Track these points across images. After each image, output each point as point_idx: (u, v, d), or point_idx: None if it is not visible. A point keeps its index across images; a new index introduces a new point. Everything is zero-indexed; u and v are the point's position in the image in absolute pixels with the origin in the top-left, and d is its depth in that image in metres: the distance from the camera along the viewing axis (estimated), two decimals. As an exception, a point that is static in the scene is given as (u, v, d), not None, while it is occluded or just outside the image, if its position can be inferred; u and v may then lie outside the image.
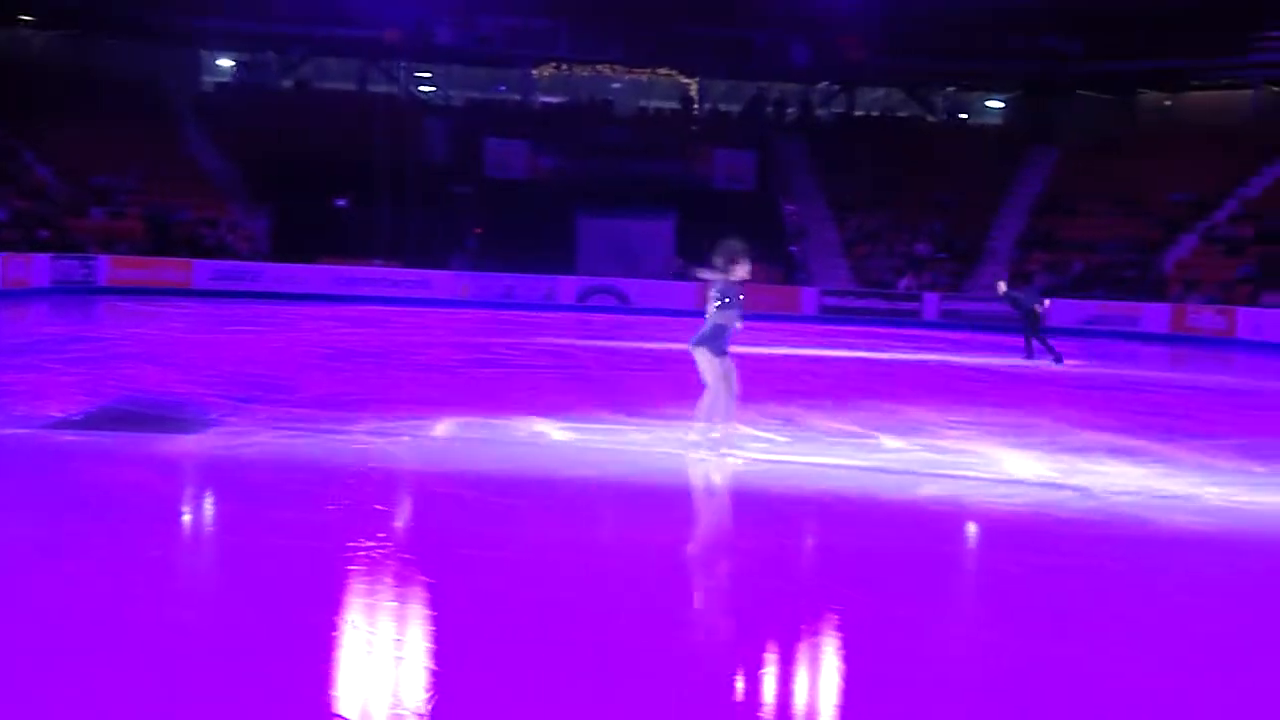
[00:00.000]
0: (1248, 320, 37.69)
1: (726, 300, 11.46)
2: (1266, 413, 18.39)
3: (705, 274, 11.68)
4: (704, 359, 11.40)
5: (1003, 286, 24.55)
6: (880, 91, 57.60)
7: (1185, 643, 6.29)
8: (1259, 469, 11.43)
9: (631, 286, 44.84)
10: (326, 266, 43.01)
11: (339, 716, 4.75)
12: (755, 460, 11.24)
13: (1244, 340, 36.95)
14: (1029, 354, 25.00)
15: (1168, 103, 54.23)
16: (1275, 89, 50.81)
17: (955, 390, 19.74)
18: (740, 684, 5.44)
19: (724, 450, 11.30)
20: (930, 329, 40.56)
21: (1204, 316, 39.25)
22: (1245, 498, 10.11)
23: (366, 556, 7.23)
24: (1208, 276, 41.81)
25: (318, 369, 18.63)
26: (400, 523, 8.65)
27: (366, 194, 45.94)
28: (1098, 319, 40.92)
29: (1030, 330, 25.23)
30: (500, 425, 12.92)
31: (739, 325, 11.56)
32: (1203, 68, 50.86)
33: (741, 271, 11.61)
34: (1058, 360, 24.48)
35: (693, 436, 11.49)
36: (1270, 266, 40.56)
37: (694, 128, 53.75)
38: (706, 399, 11.44)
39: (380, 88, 54.15)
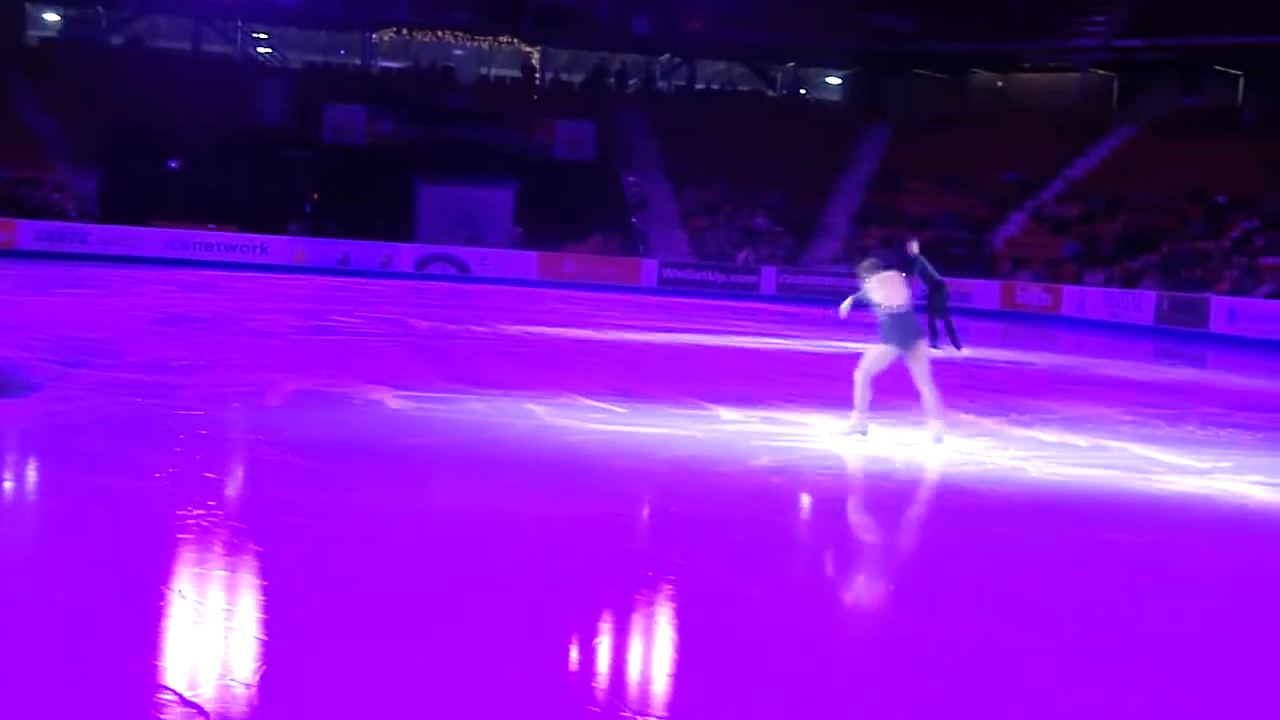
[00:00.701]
0: (1072, 297, 38.78)
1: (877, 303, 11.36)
2: (1088, 388, 18.94)
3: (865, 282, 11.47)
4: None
5: (915, 247, 20.54)
6: (721, 65, 57.97)
7: (1007, 608, 6.45)
8: (1082, 443, 11.77)
9: (471, 255, 44.59)
10: (158, 229, 42.01)
11: (166, 688, 4.65)
12: (594, 430, 11.26)
13: (1068, 317, 38.03)
14: (934, 339, 21.01)
15: (999, 83, 55.47)
16: (1101, 72, 52.25)
17: (792, 364, 19.98)
18: (569, 651, 5.45)
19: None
20: (768, 302, 41.03)
21: (1031, 293, 40.31)
22: (1069, 470, 10.41)
23: (196, 525, 7.09)
24: (1035, 254, 42.93)
25: (148, 334, 18.19)
26: (231, 491, 8.50)
27: (200, 157, 44.94)
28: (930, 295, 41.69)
29: (937, 310, 22.57)
30: (335, 393, 12.76)
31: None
32: (1032, 50, 52.11)
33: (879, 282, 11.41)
34: (958, 346, 22.39)
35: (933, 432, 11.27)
36: (1094, 245, 41.78)
37: (535, 97, 53.54)
38: (930, 397, 11.29)
39: (215, 48, 52.95)
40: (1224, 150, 42.50)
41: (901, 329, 11.26)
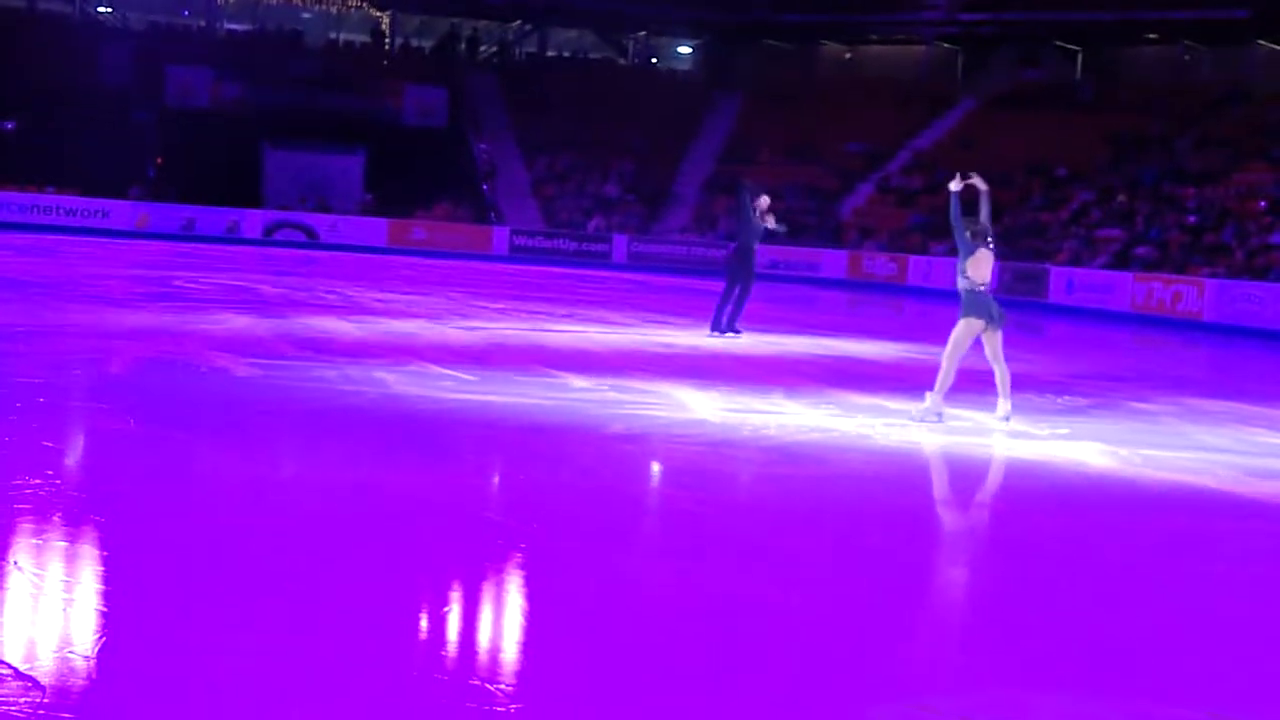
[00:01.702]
0: (917, 267, 39.45)
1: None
2: (932, 357, 19.30)
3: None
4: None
5: (771, 220, 18.47)
6: (573, 33, 57.81)
7: (852, 568, 6.57)
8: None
9: (320, 222, 43.97)
10: (-7, 192, 40.75)
11: (2, 662, 4.54)
12: (443, 398, 11.20)
13: (913, 286, 38.69)
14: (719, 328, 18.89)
15: (847, 55, 56.12)
16: (945, 45, 53.14)
17: (642, 332, 20.05)
18: (417, 621, 5.44)
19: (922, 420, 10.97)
20: (619, 270, 41.11)
21: (878, 263, 40.93)
22: (913, 437, 10.61)
23: (34, 495, 6.92)
24: (881, 225, 43.59)
25: (-19, 300, 17.66)
26: (70, 460, 8.31)
27: (38, 117, 43.60)
28: (779, 264, 42.14)
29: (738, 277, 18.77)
30: (180, 360, 12.52)
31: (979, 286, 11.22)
32: (879, 22, 52.80)
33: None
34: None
35: (1001, 414, 11.06)
36: (938, 216, 42.54)
37: (385, 62, 52.88)
38: (1002, 376, 11.10)
39: (53, 5, 51.38)
40: (1062, 124, 43.52)
41: (987, 305, 11.14)
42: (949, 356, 11.15)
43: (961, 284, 11.32)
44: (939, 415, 11.10)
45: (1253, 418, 13.33)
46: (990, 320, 11.19)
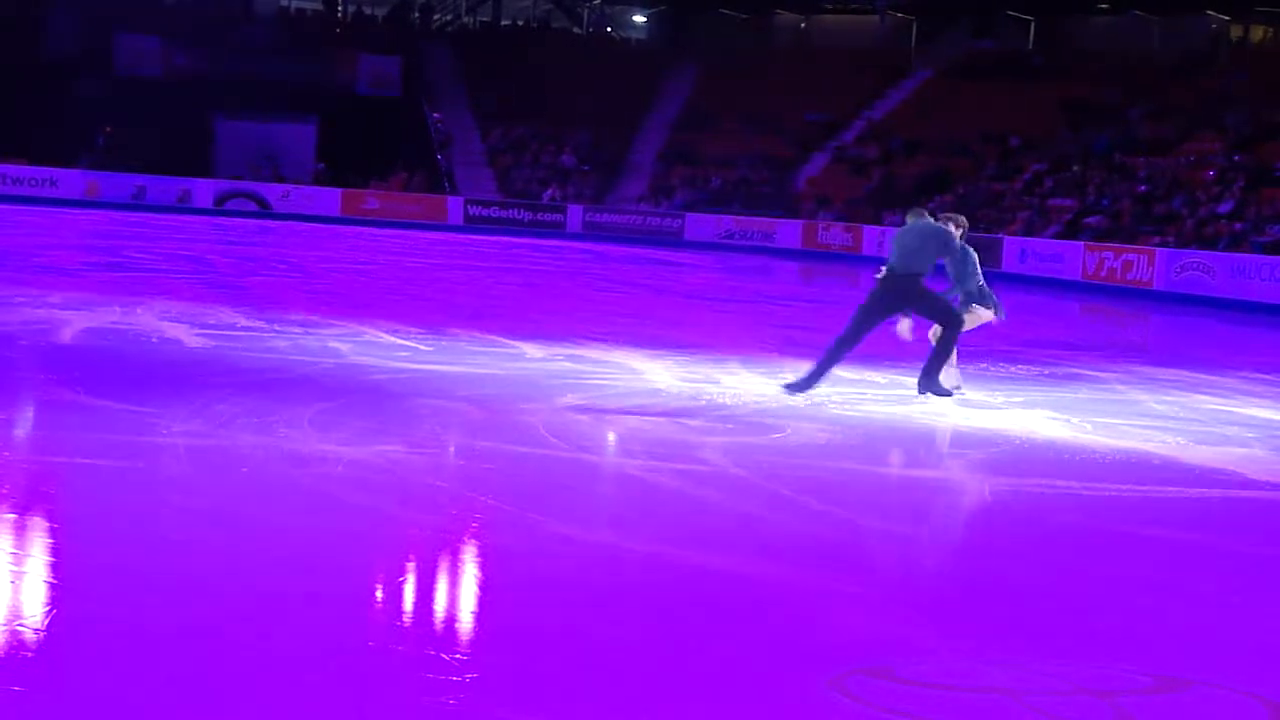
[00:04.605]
0: (871, 237, 39.54)
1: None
2: (886, 326, 19.36)
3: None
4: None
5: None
6: (528, 1, 57.50)
7: (811, 537, 6.59)
8: (880, 380, 12.05)
9: (272, 191, 43.66)
10: (-62, 161, 40.24)
11: (-49, 634, 4.50)
12: (397, 368, 11.17)
13: (868, 256, 38.75)
14: None
15: (802, 24, 56.09)
16: (899, 15, 53.18)
17: (597, 302, 20.06)
18: (373, 591, 5.43)
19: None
20: (574, 240, 41.04)
21: (833, 233, 40.99)
22: (869, 407, 10.65)
23: (-18, 468, 6.85)
24: (837, 194, 43.64)
25: (-72, 271, 17.46)
26: (20, 431, 8.23)
27: (-17, 86, 43.05)
28: (735, 233, 42.18)
29: None
30: (131, 331, 12.42)
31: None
32: (835, -8, 52.83)
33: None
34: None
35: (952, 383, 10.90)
36: (892, 185, 42.65)
37: (338, 31, 52.46)
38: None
39: (-1, -27, 50.64)
40: (1015, 93, 43.67)
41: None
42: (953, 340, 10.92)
43: (971, 287, 11.15)
44: (959, 387, 11.08)
45: (1202, 385, 13.45)
46: (997, 312, 11.31)
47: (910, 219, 11.07)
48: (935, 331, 11.02)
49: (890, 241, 11.28)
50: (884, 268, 10.88)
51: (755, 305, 20.74)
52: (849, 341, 10.83)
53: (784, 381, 10.88)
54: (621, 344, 13.80)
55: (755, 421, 9.71)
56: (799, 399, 10.43)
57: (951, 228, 10.87)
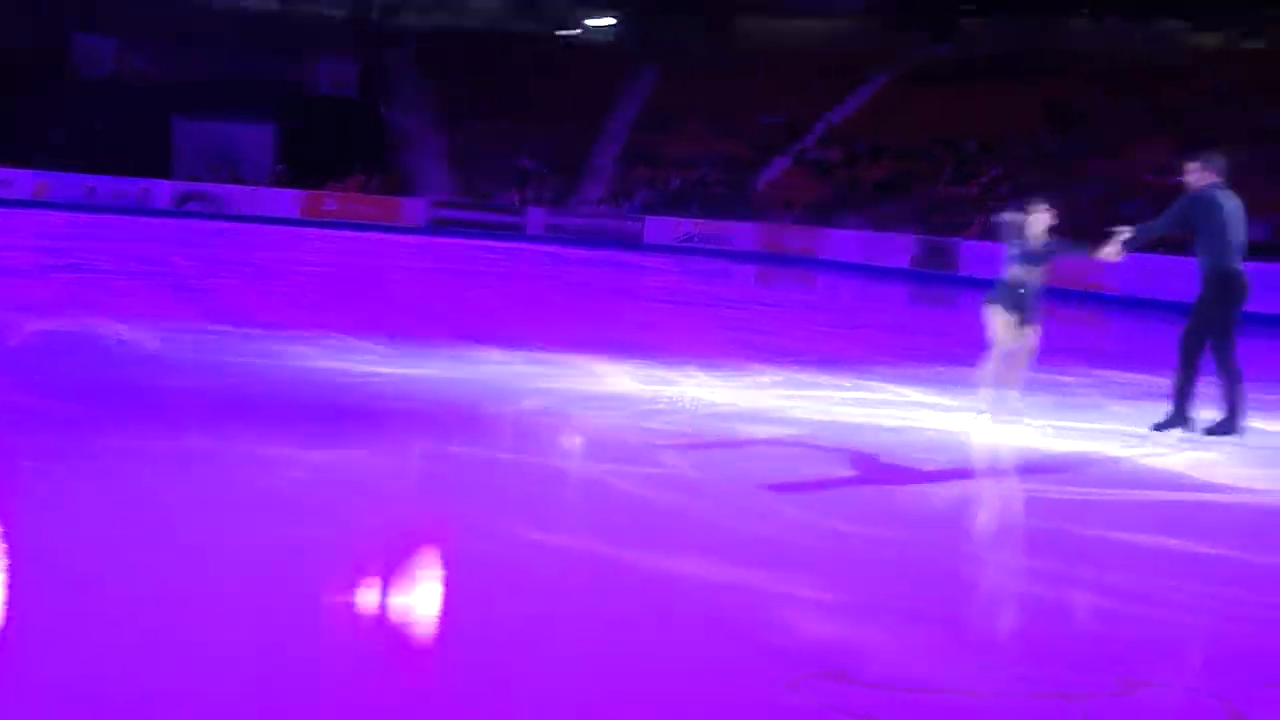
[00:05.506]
0: (829, 241, 39.65)
1: (1022, 256, 10.30)
2: (845, 331, 19.47)
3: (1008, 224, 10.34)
4: (994, 317, 10.28)
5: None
6: (490, 2, 57.35)
7: (768, 540, 6.61)
8: (846, 383, 12.10)
9: (231, 193, 43.44)
10: (-114, 160, 39.85)
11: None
12: (361, 371, 11.13)
13: (825, 260, 38.89)
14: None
15: (764, 28, 56.19)
16: (860, 19, 53.39)
17: (558, 306, 20.05)
18: (329, 595, 5.41)
19: (999, 417, 10.03)
20: (535, 243, 40.99)
21: (791, 236, 41.09)
22: (830, 409, 10.69)
23: (-61, 472, 6.79)
24: (796, 197, 43.76)
25: (-118, 272, 17.28)
26: (-24, 436, 8.15)
27: (-66, 85, 42.67)
28: (695, 236, 42.22)
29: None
30: (88, 334, 12.33)
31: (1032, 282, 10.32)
32: (796, -4, 52.98)
33: (1042, 221, 10.27)
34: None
35: (981, 405, 10.23)
36: (852, 189, 42.81)
37: (296, 32, 52.19)
38: (986, 363, 10.28)
39: (-49, -30, 50.17)
40: (972, 98, 43.92)
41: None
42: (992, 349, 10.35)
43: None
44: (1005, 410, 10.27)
45: (1156, 389, 13.53)
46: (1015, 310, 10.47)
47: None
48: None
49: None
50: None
51: (714, 309, 20.78)
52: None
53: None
54: (582, 347, 13.80)
55: (714, 425, 9.73)
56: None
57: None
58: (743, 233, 41.81)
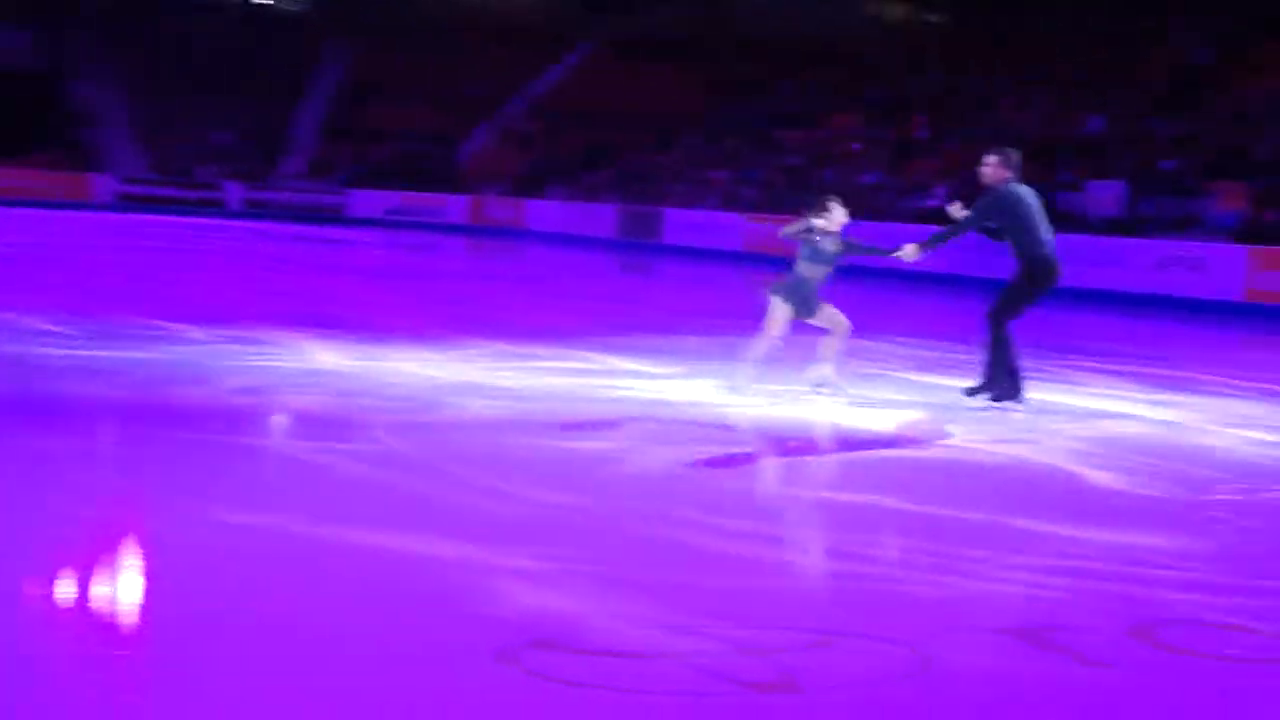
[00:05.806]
0: (535, 211, 39.84)
1: (812, 254, 10.28)
2: (551, 300, 19.57)
3: (803, 223, 10.23)
4: (775, 308, 10.25)
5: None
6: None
7: (477, 517, 6.63)
8: (544, 353, 12.17)
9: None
10: None
11: None
12: (47, 354, 10.67)
13: (533, 231, 39.08)
14: None
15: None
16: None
17: (260, 282, 19.61)
18: (16, 585, 5.21)
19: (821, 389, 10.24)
20: (234, 219, 39.93)
21: (498, 207, 41.11)
22: (535, 380, 10.75)
23: None
24: (501, 168, 43.80)
25: None
26: None
27: None
28: (401, 209, 41.84)
29: None
30: None
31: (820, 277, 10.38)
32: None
33: (837, 216, 10.32)
34: None
35: (813, 376, 10.32)
36: (554, 160, 43.08)
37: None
38: (824, 342, 10.34)
39: None
40: (672, 71, 44.72)
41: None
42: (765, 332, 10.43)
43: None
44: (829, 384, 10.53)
45: (862, 351, 14.04)
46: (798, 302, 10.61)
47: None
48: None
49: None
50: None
51: (423, 282, 20.64)
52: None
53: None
54: (287, 324, 13.53)
55: (425, 399, 9.68)
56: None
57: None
58: (450, 205, 41.62)
